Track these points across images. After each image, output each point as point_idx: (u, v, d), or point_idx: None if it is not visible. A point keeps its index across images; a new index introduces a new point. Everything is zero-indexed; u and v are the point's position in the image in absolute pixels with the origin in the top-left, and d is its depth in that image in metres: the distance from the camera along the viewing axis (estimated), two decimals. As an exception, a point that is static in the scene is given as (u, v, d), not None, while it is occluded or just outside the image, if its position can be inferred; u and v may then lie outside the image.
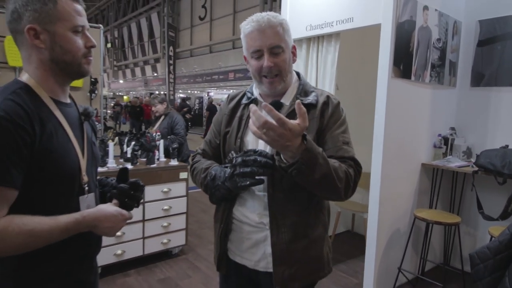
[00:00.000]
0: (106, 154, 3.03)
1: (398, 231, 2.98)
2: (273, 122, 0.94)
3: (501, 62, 3.11)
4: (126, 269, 3.16)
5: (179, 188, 3.39)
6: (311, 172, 1.03)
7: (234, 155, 1.24)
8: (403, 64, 2.73)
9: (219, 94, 21.27)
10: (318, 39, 3.21)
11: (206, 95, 22.43)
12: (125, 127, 16.33)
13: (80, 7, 1.01)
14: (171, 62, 16.08)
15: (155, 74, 24.32)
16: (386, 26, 2.63)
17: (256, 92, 1.34)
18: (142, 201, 1.25)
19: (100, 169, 2.79)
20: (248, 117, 1.01)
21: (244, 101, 1.35)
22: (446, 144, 3.21)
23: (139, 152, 3.34)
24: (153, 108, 4.70)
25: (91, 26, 1.53)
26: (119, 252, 3.04)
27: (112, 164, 3.06)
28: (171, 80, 16.06)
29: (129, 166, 3.15)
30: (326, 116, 1.25)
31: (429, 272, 3.28)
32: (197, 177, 1.33)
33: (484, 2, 3.19)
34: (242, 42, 1.27)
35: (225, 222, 1.32)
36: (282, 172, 1.07)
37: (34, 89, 0.97)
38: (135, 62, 28.06)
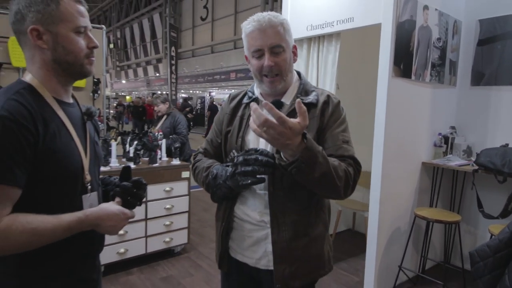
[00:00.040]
0: (109, 153, 3.05)
1: (398, 230, 2.98)
2: (274, 120, 0.94)
3: (501, 61, 3.11)
4: (128, 267, 3.18)
5: (181, 187, 3.40)
6: (311, 170, 1.03)
7: (236, 154, 1.24)
8: (403, 63, 2.74)
9: (220, 94, 21.27)
10: (319, 39, 3.22)
11: (207, 95, 22.46)
12: (128, 127, 16.37)
13: (82, 8, 1.01)
14: (173, 62, 16.13)
15: (157, 74, 24.34)
16: (386, 25, 2.63)
17: (257, 92, 1.35)
18: (144, 199, 1.26)
19: (103, 169, 2.81)
20: (249, 116, 1.02)
21: (245, 100, 1.36)
22: (447, 143, 3.21)
23: (142, 152, 3.36)
24: (155, 108, 4.73)
25: (93, 27, 1.55)
26: (122, 250, 3.06)
27: (115, 163, 3.07)
28: (173, 80, 16.11)
29: (131, 165, 3.16)
30: (326, 115, 1.25)
31: (429, 270, 3.29)
32: (198, 175, 1.34)
33: (484, 1, 3.19)
34: (243, 42, 1.28)
35: (226, 220, 1.33)
36: (282, 171, 1.08)
37: (37, 89, 0.98)
38: (137, 62, 28.09)
